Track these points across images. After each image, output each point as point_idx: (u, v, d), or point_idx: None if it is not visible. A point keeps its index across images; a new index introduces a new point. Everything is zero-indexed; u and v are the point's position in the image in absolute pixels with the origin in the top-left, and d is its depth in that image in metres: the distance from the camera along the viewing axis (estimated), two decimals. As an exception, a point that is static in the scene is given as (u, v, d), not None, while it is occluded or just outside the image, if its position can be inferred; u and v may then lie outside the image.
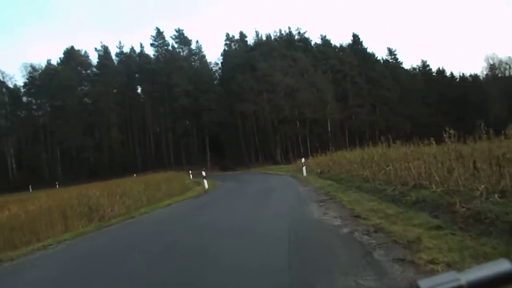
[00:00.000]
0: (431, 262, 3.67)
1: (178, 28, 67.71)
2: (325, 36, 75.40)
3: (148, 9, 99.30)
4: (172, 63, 63.05)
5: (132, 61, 68.44)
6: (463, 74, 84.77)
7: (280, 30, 73.57)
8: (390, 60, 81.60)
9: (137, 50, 69.77)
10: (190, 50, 68.35)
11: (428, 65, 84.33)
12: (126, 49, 69.91)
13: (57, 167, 62.54)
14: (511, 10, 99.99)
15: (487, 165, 6.70)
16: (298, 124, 62.82)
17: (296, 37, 74.12)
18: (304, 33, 73.99)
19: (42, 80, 63.61)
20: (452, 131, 7.94)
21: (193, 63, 67.48)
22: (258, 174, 34.36)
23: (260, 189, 16.31)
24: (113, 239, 8.38)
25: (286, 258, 4.58)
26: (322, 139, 62.47)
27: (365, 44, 77.84)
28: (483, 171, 6.64)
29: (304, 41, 73.80)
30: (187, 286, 4.39)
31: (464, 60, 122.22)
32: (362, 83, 70.98)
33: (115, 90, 67.43)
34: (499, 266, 0.75)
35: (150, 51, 69.14)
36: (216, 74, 70.51)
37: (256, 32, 71.61)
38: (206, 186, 20.82)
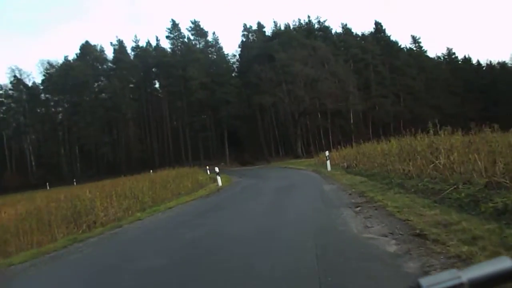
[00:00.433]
0: None
1: (194, 20, 66.02)
2: (346, 25, 72.65)
3: (164, 1, 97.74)
4: (188, 55, 61.32)
5: (148, 55, 67.13)
6: (490, 61, 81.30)
7: (299, 20, 71.05)
8: (414, 49, 78.51)
9: (153, 43, 68.45)
10: (207, 42, 66.51)
11: (454, 53, 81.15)
12: (142, 43, 68.68)
13: (76, 164, 62.05)
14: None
15: None
16: (319, 116, 60.48)
17: (316, 26, 71.36)
18: (324, 21, 71.22)
19: (58, 76, 62.98)
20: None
21: (209, 55, 65.61)
22: (278, 169, 32.26)
23: (279, 186, 14.24)
24: (61, 271, 6.08)
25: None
26: (344, 131, 60.25)
27: (388, 32, 74.77)
28: None
29: (324, 30, 71.00)
30: None
31: (490, 47, 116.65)
32: (386, 72, 68.09)
33: (132, 85, 66.56)
34: (500, 264, 0.75)
35: (166, 45, 67.81)
36: (234, 66, 68.61)
37: (274, 22, 69.43)
38: (220, 183, 18.90)
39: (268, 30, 68.61)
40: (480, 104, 64.65)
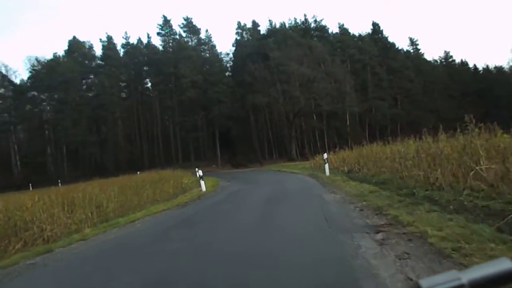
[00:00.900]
0: None
1: (187, 16, 63.86)
2: (342, 25, 70.81)
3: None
4: (180, 52, 59.02)
5: (139, 52, 64.86)
6: (487, 66, 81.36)
7: (295, 19, 69.07)
8: (412, 51, 77.10)
9: (144, 41, 66.08)
10: (199, 39, 64.32)
11: (451, 56, 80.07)
12: (133, 40, 66.31)
13: (63, 164, 59.54)
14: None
15: None
16: (314, 118, 58.44)
17: (312, 25, 69.35)
18: (321, 21, 69.17)
19: (45, 73, 60.50)
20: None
21: (202, 53, 63.40)
22: (271, 172, 30.03)
23: (270, 195, 11.99)
24: None
25: None
26: (340, 133, 58.56)
27: (385, 34, 73.31)
28: None
29: (321, 29, 69.15)
30: None
31: (487, 51, 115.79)
32: (383, 73, 66.47)
33: (123, 84, 64.36)
34: (500, 265, 0.74)
35: (157, 42, 65.48)
36: (227, 65, 66.40)
37: (269, 21, 67.43)
38: (204, 188, 16.67)
39: (263, 29, 66.66)
40: (478, 108, 63.23)
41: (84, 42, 64.56)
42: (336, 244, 4.68)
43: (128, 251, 6.17)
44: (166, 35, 63.08)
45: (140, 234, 7.76)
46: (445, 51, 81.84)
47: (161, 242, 6.36)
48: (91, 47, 64.71)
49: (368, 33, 72.52)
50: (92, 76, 63.41)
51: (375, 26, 72.95)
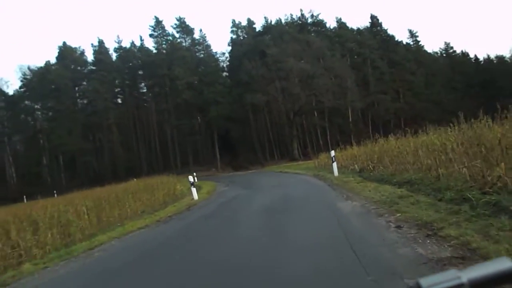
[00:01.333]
0: None
1: (179, 17, 61.67)
2: (340, 19, 68.84)
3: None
4: (173, 53, 56.99)
5: (132, 56, 62.94)
6: (488, 56, 79.08)
7: (291, 15, 66.93)
8: (412, 43, 75.05)
9: (138, 44, 64.09)
10: (193, 39, 62.19)
11: (452, 47, 78.05)
12: (126, 44, 64.33)
13: (60, 174, 57.77)
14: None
15: None
16: (316, 115, 56.40)
17: (309, 20, 67.23)
18: (318, 15, 67.05)
19: (36, 81, 58.76)
20: None
21: (196, 54, 61.39)
22: (272, 174, 27.99)
23: (271, 204, 9.94)
24: None
25: None
26: (342, 130, 56.59)
27: (384, 26, 71.26)
28: None
29: (318, 24, 67.01)
30: None
31: (487, 41, 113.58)
32: (384, 67, 64.29)
33: (117, 89, 62.50)
34: (500, 264, 0.74)
35: (150, 44, 63.48)
36: (223, 65, 64.44)
37: (265, 18, 65.46)
38: (196, 197, 14.65)
39: (259, 26, 64.63)
40: (482, 99, 61.32)
41: (75, 48, 62.71)
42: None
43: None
44: (159, 36, 60.96)
45: (89, 274, 5.63)
46: (445, 42, 79.85)
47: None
48: (82, 52, 62.82)
49: (367, 27, 70.58)
50: (85, 83, 61.59)
51: (374, 19, 70.93)
